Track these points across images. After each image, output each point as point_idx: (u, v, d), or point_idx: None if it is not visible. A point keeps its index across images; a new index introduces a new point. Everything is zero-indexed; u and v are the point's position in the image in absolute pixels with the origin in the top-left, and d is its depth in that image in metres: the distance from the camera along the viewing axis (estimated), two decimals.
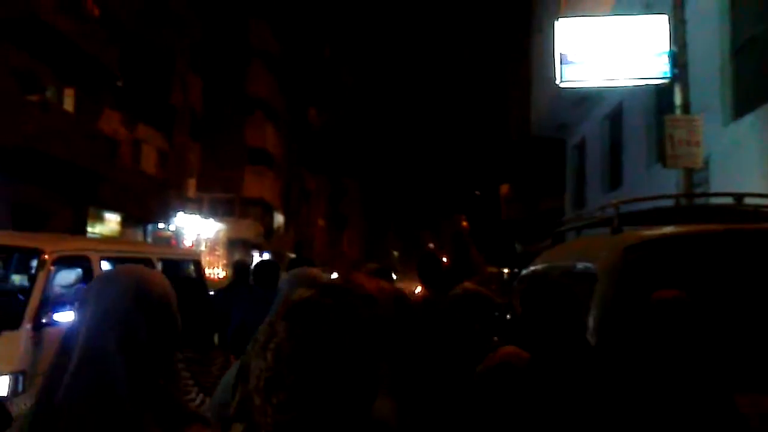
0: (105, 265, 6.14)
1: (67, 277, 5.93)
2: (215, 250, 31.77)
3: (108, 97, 21.61)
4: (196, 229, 29.95)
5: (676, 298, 2.59)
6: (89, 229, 21.18)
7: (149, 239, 26.44)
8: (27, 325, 5.31)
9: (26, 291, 5.67)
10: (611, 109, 14.11)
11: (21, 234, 7.88)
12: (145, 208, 24.56)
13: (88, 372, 1.37)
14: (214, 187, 35.85)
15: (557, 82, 9.32)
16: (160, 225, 27.37)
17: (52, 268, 5.67)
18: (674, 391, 2.49)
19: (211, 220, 32.17)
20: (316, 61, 56.14)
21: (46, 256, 5.69)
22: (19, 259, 6.93)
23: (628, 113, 13.01)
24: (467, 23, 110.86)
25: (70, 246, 6.36)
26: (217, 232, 32.33)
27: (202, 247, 30.66)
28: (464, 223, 46.48)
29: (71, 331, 1.43)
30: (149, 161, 25.32)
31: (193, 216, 29.71)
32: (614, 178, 13.97)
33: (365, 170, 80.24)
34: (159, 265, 7.18)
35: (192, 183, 32.02)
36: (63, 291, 5.74)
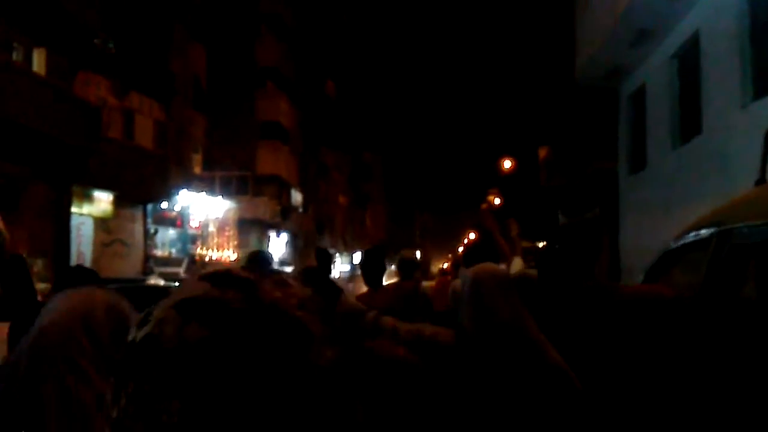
0: None
1: None
2: (225, 230, 29.41)
3: (91, 61, 19.18)
4: (203, 208, 27.58)
5: None
6: (75, 210, 18.86)
7: (150, 219, 24.17)
8: None
9: None
10: (682, 43, 11.35)
11: None
12: (142, 185, 22.18)
13: None
14: (224, 164, 33.49)
15: None
16: (163, 204, 25.06)
17: None
18: None
19: (220, 198, 29.75)
20: (333, 28, 53.41)
21: None
22: None
23: (708, 43, 10.24)
24: None
25: None
26: (227, 211, 29.91)
27: (211, 228, 28.36)
28: (492, 200, 43.78)
29: None
30: (145, 134, 22.89)
31: (200, 194, 27.33)
32: (688, 127, 11.24)
33: (388, 144, 77.66)
34: None
35: (198, 159, 29.63)
36: None
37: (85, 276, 3.36)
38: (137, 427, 0.64)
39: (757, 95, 8.86)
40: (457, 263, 11.08)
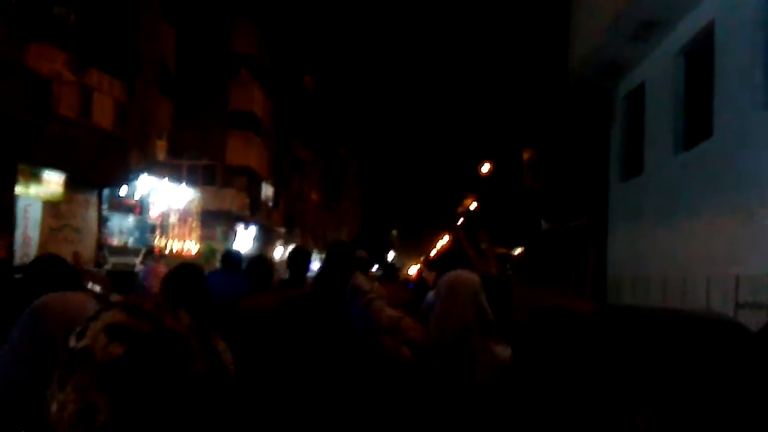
0: None
1: None
2: (187, 221, 27.97)
3: (47, 31, 17.70)
4: (165, 197, 26.12)
5: None
6: (21, 190, 17.38)
7: (105, 205, 22.69)
8: None
9: None
10: (692, 37, 10.29)
11: None
12: (98, 168, 20.64)
13: None
14: (191, 152, 31.92)
15: None
16: (121, 190, 23.59)
17: None
18: None
19: (184, 185, 28.27)
20: (313, 21, 52.03)
21: None
22: None
23: (723, 37, 9.16)
24: None
25: None
26: (191, 200, 28.46)
27: (172, 218, 26.91)
28: (468, 204, 42.74)
29: None
30: (104, 114, 21.38)
31: (162, 181, 25.86)
32: (694, 131, 10.17)
33: (364, 143, 76.48)
34: None
35: (162, 145, 28.10)
36: None
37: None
38: (72, 416, 0.88)
39: None
40: (430, 264, 10.47)
